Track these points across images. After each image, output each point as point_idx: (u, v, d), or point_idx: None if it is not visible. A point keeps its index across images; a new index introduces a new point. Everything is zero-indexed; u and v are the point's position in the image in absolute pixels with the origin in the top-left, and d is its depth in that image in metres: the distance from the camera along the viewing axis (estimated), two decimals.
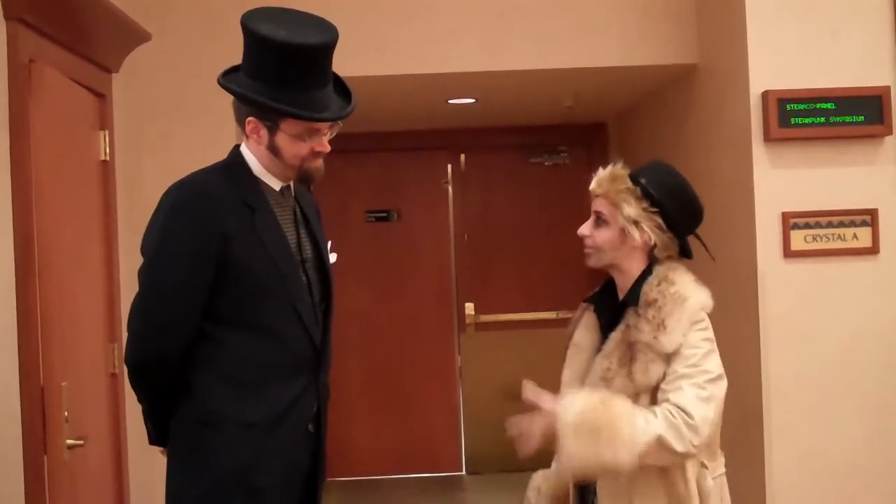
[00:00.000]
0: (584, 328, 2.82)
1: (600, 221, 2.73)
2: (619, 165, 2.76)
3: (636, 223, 2.67)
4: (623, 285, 2.75)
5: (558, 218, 6.80)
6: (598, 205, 2.74)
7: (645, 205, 2.67)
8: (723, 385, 2.63)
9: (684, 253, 2.74)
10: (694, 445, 2.53)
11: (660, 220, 2.67)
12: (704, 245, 2.83)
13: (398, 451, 7.34)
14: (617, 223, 2.69)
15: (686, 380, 2.57)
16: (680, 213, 2.69)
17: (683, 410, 2.53)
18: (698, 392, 2.56)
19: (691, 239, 2.79)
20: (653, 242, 2.68)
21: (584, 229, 2.76)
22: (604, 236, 2.71)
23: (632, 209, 2.66)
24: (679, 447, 2.52)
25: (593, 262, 2.76)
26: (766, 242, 4.32)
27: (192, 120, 4.55)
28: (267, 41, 2.57)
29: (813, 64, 4.34)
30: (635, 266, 2.72)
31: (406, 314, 7.34)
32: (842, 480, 4.30)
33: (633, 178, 2.70)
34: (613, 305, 2.77)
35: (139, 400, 2.79)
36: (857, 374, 4.32)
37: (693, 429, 2.53)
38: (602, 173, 2.75)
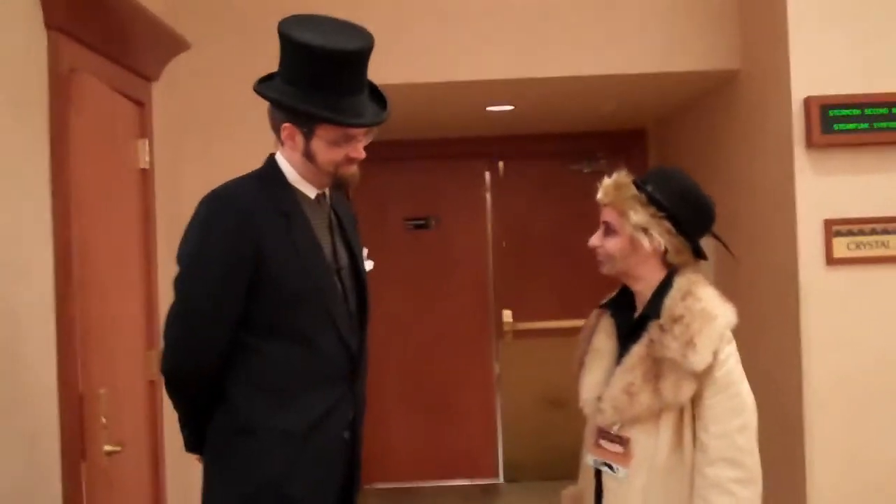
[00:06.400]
0: (604, 334, 2.78)
1: (609, 231, 2.71)
2: (623, 173, 2.73)
3: (645, 230, 2.64)
4: (641, 295, 2.71)
5: (596, 225, 6.74)
6: (606, 214, 2.72)
7: (652, 211, 2.64)
8: (755, 411, 2.62)
9: (698, 254, 2.71)
10: (756, 490, 2.57)
11: (669, 225, 2.64)
12: (724, 244, 2.79)
13: (436, 458, 7.33)
14: (625, 231, 2.66)
15: (734, 417, 2.56)
16: (689, 216, 2.66)
17: (736, 463, 2.54)
18: (743, 432, 2.56)
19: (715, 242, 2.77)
20: (663, 248, 2.65)
21: (595, 240, 2.74)
22: (614, 245, 2.69)
23: (639, 216, 2.64)
24: None
25: (606, 269, 2.74)
26: (809, 250, 4.27)
27: (232, 128, 4.57)
28: (304, 47, 2.57)
29: (855, 69, 4.28)
30: (651, 274, 2.69)
31: (444, 321, 7.34)
32: (886, 491, 4.23)
33: (639, 184, 2.68)
34: (629, 314, 2.74)
35: (175, 408, 2.79)
36: None
37: (749, 482, 2.56)
38: (607, 182, 2.73)
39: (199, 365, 2.65)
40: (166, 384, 2.74)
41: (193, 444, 2.81)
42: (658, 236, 2.63)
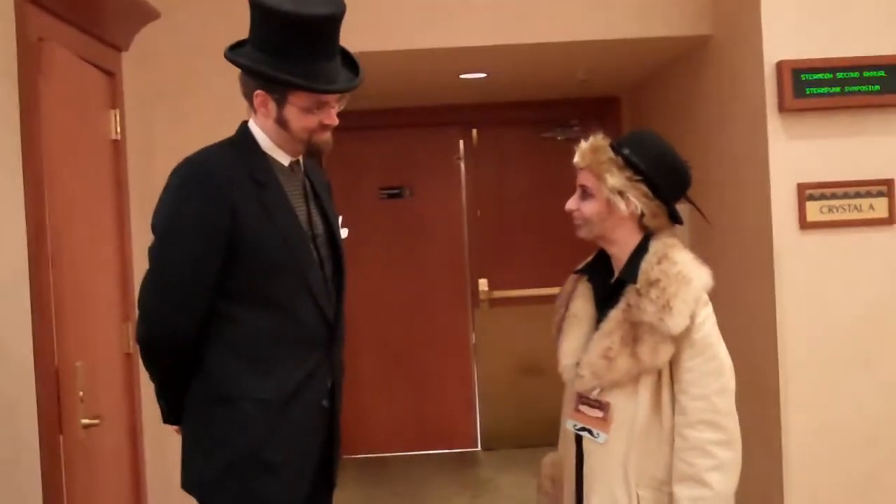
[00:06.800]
0: (582, 299, 2.79)
1: (586, 194, 2.71)
2: (600, 136, 2.73)
3: (621, 193, 2.64)
4: (618, 259, 2.72)
5: (571, 192, 6.73)
6: (583, 178, 2.72)
7: (629, 174, 2.64)
8: (733, 373, 2.64)
9: (674, 219, 2.72)
10: (736, 453, 2.60)
11: (645, 189, 2.64)
12: (698, 208, 2.80)
13: (413, 427, 7.36)
14: (602, 195, 2.67)
15: (712, 380, 2.58)
16: (665, 180, 2.66)
17: (716, 425, 2.56)
18: (722, 395, 2.59)
19: (691, 207, 2.78)
20: (640, 212, 2.65)
21: (571, 203, 2.75)
22: (590, 209, 2.69)
23: (615, 180, 2.64)
24: (734, 473, 2.59)
25: (583, 233, 2.75)
26: (782, 214, 4.29)
27: (203, 97, 4.53)
28: (275, 13, 2.55)
29: (828, 33, 4.29)
30: (627, 238, 2.69)
31: (420, 291, 7.34)
32: (860, 453, 4.28)
33: (616, 148, 2.68)
34: (606, 278, 2.75)
35: (151, 378, 2.78)
36: (874, 345, 4.30)
37: (729, 444, 2.58)
38: (583, 145, 2.73)
39: (175, 333, 2.64)
40: (142, 354, 2.73)
41: (171, 415, 2.80)
42: (634, 199, 2.64)
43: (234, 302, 2.65)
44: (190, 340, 2.65)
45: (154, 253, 2.65)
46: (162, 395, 2.80)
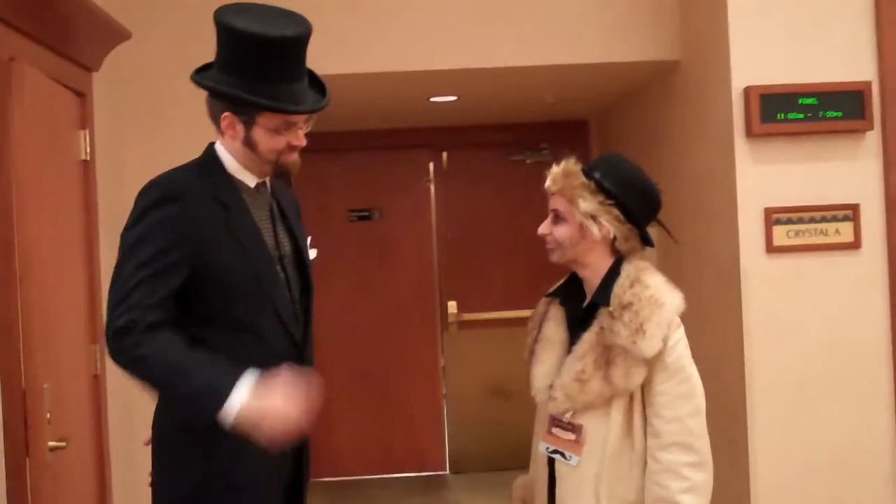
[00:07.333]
0: (554, 322, 2.80)
1: (558, 219, 2.73)
2: (572, 161, 2.75)
3: (594, 217, 2.66)
4: (590, 282, 2.74)
5: (540, 215, 6.73)
6: (555, 202, 2.73)
7: (601, 198, 2.66)
8: (703, 395, 2.66)
9: (645, 241, 2.74)
10: (708, 474, 2.63)
11: (617, 213, 2.67)
12: (667, 230, 2.83)
13: (381, 451, 7.33)
14: (574, 219, 2.68)
15: (685, 402, 2.60)
16: (636, 204, 2.69)
17: (689, 447, 2.58)
18: (694, 417, 2.61)
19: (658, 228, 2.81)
20: (612, 235, 2.67)
21: (544, 228, 2.77)
22: (563, 233, 2.71)
23: (588, 204, 2.66)
24: (706, 495, 2.62)
25: (556, 257, 2.76)
26: (749, 238, 4.33)
27: (173, 118, 4.52)
28: (241, 34, 2.55)
29: (795, 59, 4.35)
30: (599, 261, 2.71)
31: (389, 313, 7.33)
32: (826, 475, 4.32)
33: (587, 172, 2.70)
34: (579, 302, 2.77)
35: (155, 379, 2.55)
36: (840, 368, 4.34)
37: (701, 466, 2.60)
38: (555, 170, 2.74)
39: (136, 325, 2.48)
40: (127, 355, 2.51)
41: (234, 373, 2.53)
42: (607, 223, 2.66)
43: (201, 324, 2.62)
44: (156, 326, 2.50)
45: (117, 265, 2.60)
46: (184, 377, 2.50)
